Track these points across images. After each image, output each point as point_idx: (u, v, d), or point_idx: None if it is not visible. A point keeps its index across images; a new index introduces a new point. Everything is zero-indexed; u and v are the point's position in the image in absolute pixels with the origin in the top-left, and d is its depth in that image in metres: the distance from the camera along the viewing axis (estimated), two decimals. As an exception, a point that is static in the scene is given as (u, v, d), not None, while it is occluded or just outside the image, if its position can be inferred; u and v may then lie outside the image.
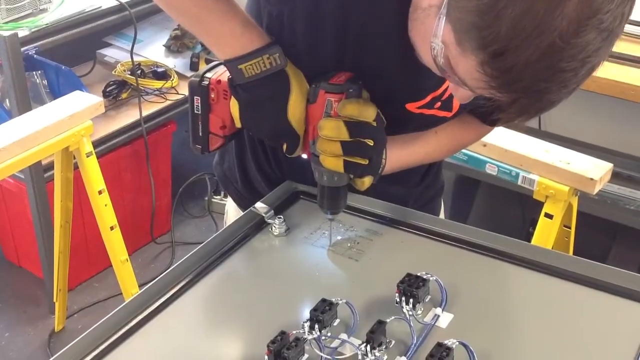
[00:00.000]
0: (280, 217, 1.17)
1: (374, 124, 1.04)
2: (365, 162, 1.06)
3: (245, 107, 1.06)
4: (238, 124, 1.09)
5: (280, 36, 1.06)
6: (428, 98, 1.11)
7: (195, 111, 1.10)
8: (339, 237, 1.16)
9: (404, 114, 1.12)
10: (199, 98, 1.09)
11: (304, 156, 1.11)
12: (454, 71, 0.88)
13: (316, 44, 1.06)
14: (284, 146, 1.09)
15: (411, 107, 1.12)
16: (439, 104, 1.13)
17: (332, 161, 1.05)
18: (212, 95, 1.09)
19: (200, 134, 1.12)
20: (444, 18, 0.85)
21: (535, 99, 0.84)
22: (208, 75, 1.10)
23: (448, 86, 1.09)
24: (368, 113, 1.03)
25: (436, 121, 1.17)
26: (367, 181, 1.09)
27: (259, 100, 1.05)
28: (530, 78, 0.81)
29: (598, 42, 0.79)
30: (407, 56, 1.01)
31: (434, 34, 0.87)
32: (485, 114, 1.18)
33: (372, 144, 1.05)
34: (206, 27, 1.06)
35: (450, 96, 1.12)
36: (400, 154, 1.17)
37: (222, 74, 1.09)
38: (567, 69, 0.80)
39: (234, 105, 1.07)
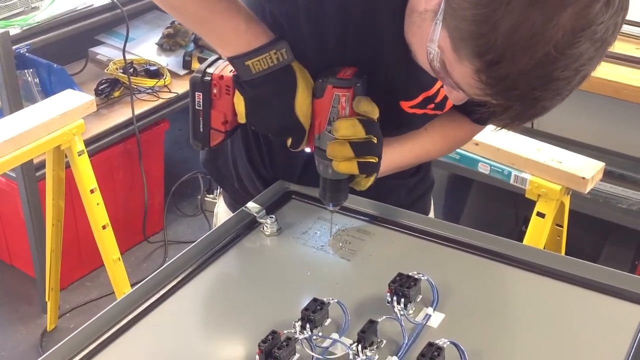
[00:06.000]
0: (272, 217, 1.17)
1: (376, 121, 1.06)
2: (375, 159, 1.07)
3: (252, 103, 1.06)
4: (242, 120, 1.08)
5: (283, 35, 1.05)
6: (420, 97, 1.12)
7: (197, 107, 1.10)
8: (330, 238, 1.16)
9: (399, 112, 1.13)
10: (201, 94, 1.09)
11: (307, 150, 1.11)
12: (449, 75, 0.89)
13: (318, 42, 1.06)
14: (289, 141, 1.09)
15: (405, 105, 1.13)
16: (432, 105, 1.13)
17: (346, 165, 1.06)
18: (214, 91, 1.09)
19: (202, 129, 1.11)
20: (440, 24, 0.85)
21: (530, 106, 0.85)
22: (209, 70, 1.09)
23: (441, 87, 1.10)
24: (375, 110, 1.05)
25: (428, 119, 1.18)
26: (371, 179, 1.10)
27: (266, 96, 1.05)
28: (525, 86, 0.82)
29: (591, 52, 0.80)
30: (402, 54, 1.02)
31: (430, 39, 0.88)
32: (473, 111, 1.19)
33: (376, 142, 1.06)
34: (209, 26, 1.06)
35: (445, 98, 1.12)
36: (394, 155, 1.18)
37: (223, 69, 1.09)
38: (560, 78, 0.81)
39: (239, 102, 1.06)
